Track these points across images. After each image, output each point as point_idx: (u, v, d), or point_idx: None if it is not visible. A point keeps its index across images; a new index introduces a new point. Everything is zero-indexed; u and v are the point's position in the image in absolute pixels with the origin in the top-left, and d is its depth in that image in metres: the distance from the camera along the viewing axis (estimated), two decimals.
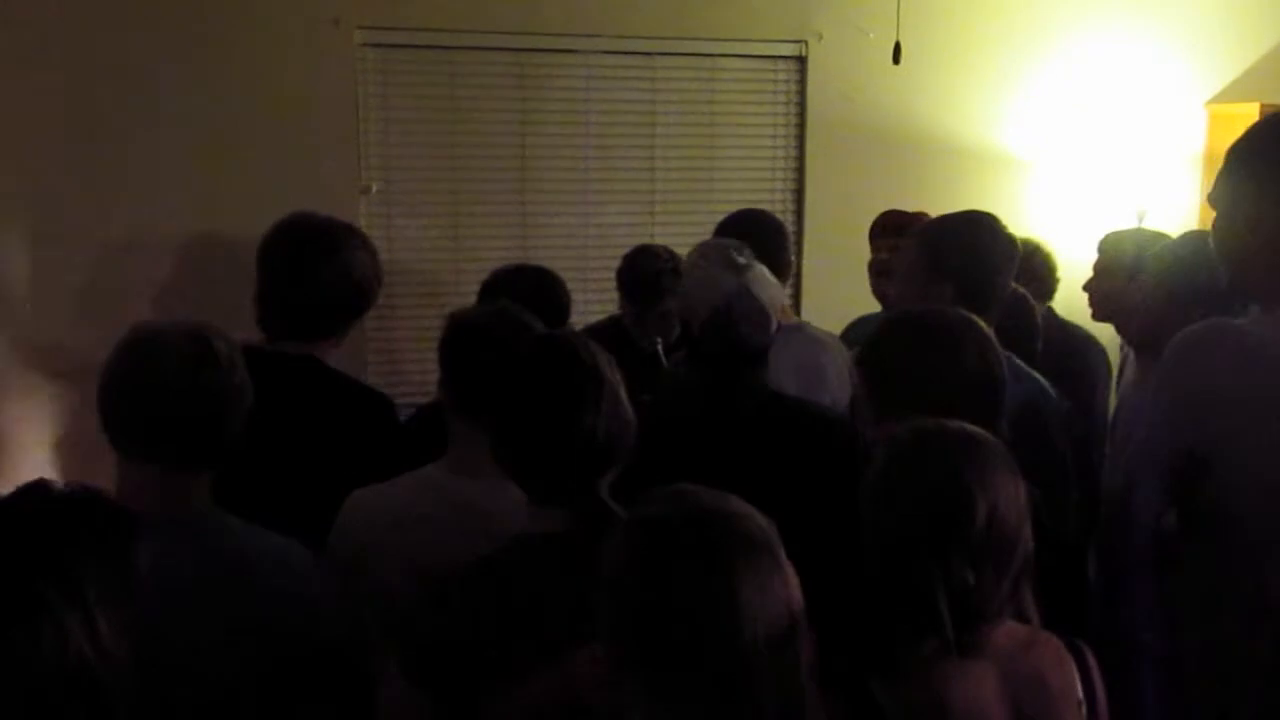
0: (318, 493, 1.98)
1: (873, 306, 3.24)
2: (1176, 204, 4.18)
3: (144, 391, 1.65)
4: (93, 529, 1.20)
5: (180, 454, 1.67)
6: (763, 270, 2.21)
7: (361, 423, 2.34)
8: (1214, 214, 1.83)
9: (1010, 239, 2.40)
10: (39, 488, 1.24)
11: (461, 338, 1.98)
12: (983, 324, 1.93)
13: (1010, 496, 1.43)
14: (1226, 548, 1.72)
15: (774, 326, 2.17)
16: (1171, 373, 1.79)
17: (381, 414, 2.41)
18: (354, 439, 2.29)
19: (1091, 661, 1.55)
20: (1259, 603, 1.69)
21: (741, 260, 2.18)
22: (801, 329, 2.90)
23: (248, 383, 1.74)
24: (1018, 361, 2.33)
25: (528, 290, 2.58)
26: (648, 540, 1.23)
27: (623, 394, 1.62)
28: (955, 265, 2.32)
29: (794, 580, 1.23)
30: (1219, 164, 1.81)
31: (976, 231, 2.39)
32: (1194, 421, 1.74)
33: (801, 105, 4.03)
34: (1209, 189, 1.84)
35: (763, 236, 2.67)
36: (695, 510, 1.23)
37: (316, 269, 2.39)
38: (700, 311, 2.14)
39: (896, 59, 2.84)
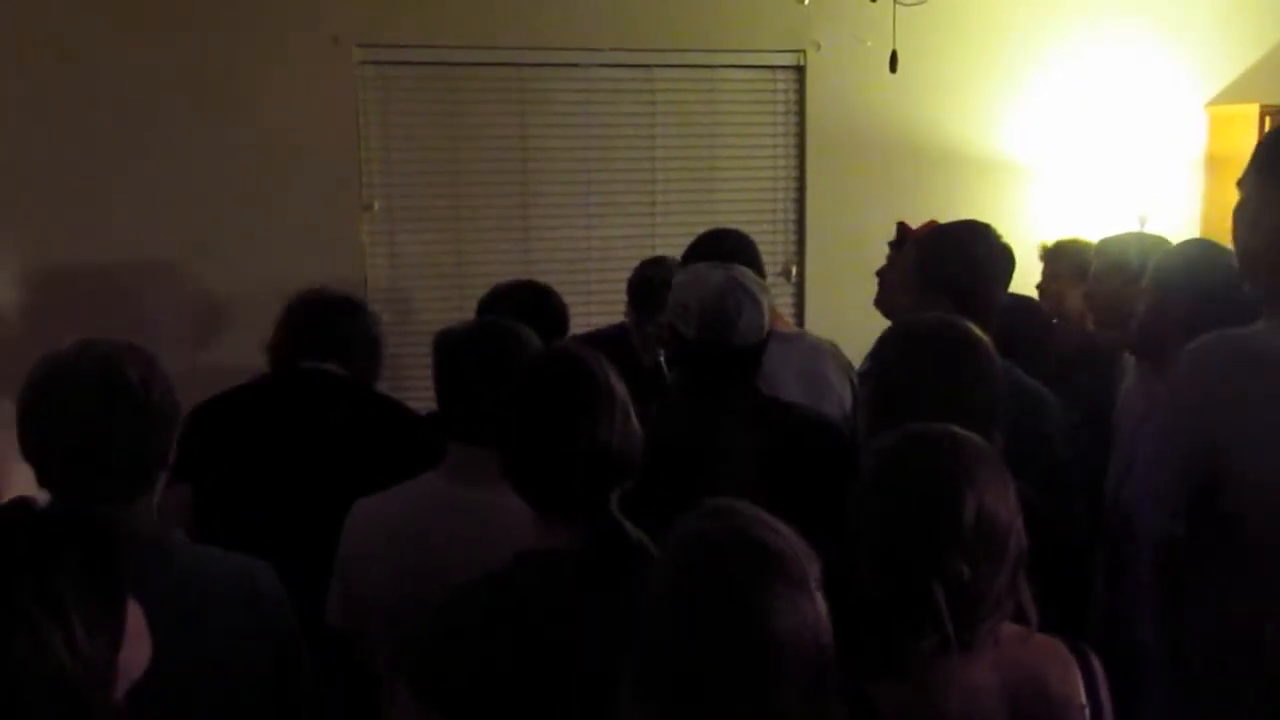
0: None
1: (877, 315, 3.23)
2: (1178, 207, 4.17)
3: (57, 432, 1.60)
4: (75, 544, 1.20)
5: (109, 488, 1.62)
6: (747, 270, 2.19)
7: (399, 436, 2.41)
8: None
9: (1005, 248, 2.43)
10: (21, 505, 1.24)
11: (450, 355, 1.98)
12: (980, 333, 1.93)
13: (999, 493, 1.44)
14: (1237, 554, 1.72)
15: (766, 323, 2.14)
16: (1182, 383, 1.80)
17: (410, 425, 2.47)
18: (392, 450, 2.33)
19: (1097, 667, 1.54)
20: (1270, 608, 1.68)
21: (722, 265, 2.18)
22: (802, 337, 2.90)
23: (170, 400, 1.68)
24: (1017, 371, 2.34)
25: (524, 306, 2.59)
26: (692, 563, 1.26)
27: (631, 409, 1.62)
28: (950, 275, 2.35)
29: (823, 608, 1.25)
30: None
31: (971, 241, 2.41)
32: (1205, 430, 1.73)
33: (801, 115, 4.04)
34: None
35: (733, 252, 2.68)
36: (742, 537, 1.26)
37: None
38: (692, 306, 2.10)
39: (893, 68, 2.84)
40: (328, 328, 2.49)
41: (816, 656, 1.23)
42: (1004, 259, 2.43)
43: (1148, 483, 1.98)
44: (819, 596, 1.26)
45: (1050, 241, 3.57)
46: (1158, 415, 1.89)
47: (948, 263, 2.37)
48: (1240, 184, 1.80)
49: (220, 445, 2.35)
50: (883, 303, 2.82)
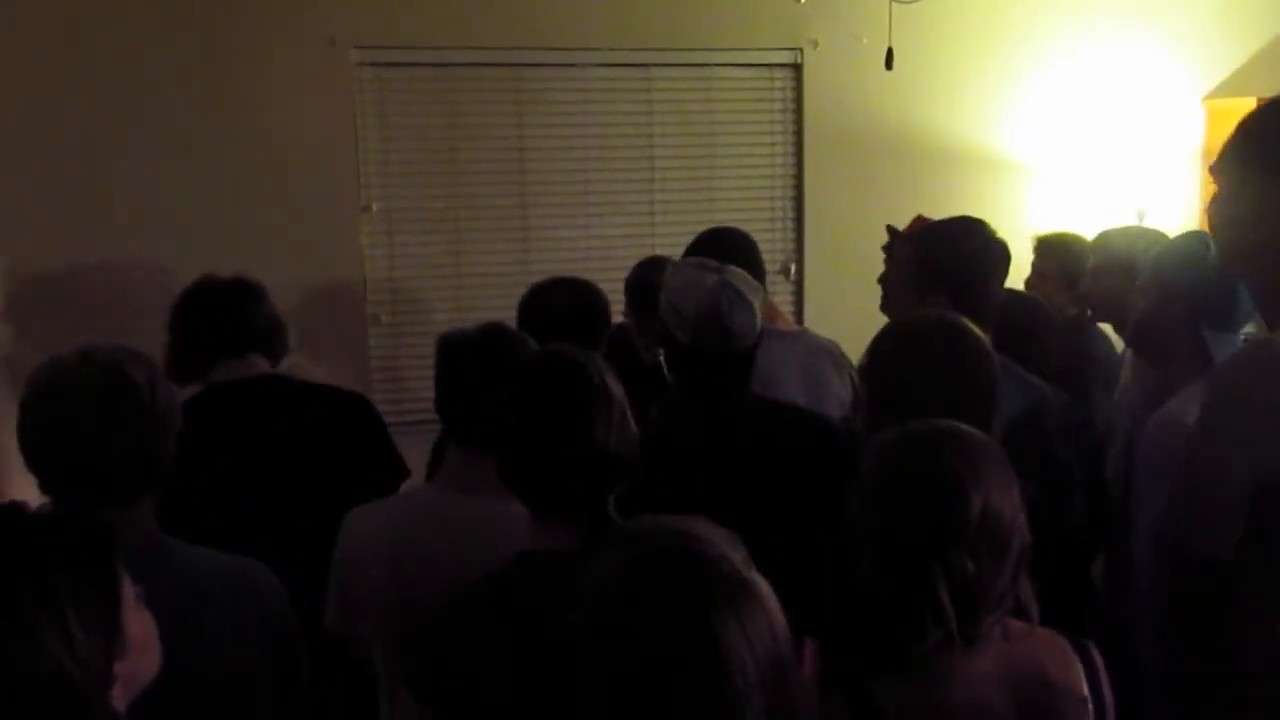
0: (326, 503, 2.04)
1: (875, 312, 3.23)
2: (1177, 201, 4.17)
3: (63, 437, 1.60)
4: (70, 545, 1.20)
5: (113, 493, 1.62)
6: (739, 270, 2.17)
7: (349, 422, 2.45)
8: (1215, 188, 1.69)
9: (1001, 244, 2.43)
10: (13, 509, 1.24)
11: (450, 360, 1.98)
12: (976, 330, 1.93)
13: (1003, 488, 1.44)
14: None
15: (759, 323, 2.13)
16: (1223, 397, 1.67)
17: (364, 412, 2.51)
18: (345, 438, 2.40)
19: (1098, 661, 1.54)
20: None
21: (714, 264, 2.16)
22: (802, 336, 2.90)
23: (173, 405, 1.69)
24: (1017, 368, 2.34)
25: (569, 303, 2.58)
26: (621, 600, 1.15)
27: (629, 411, 1.62)
28: (947, 271, 2.35)
29: (775, 609, 1.16)
30: (1218, 154, 1.72)
31: (967, 237, 2.42)
32: (1252, 445, 1.59)
33: (798, 113, 4.04)
34: (1209, 185, 1.76)
35: (733, 251, 2.67)
36: (671, 564, 1.15)
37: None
38: (686, 311, 2.09)
39: (889, 65, 2.84)
40: (237, 319, 2.49)
41: (775, 659, 1.14)
42: (999, 254, 2.43)
43: (1189, 503, 1.82)
44: (765, 595, 1.16)
45: (1046, 233, 3.56)
46: (1195, 430, 1.76)
47: (943, 259, 2.38)
48: (1219, 174, 1.68)
49: (208, 445, 2.34)
50: (888, 307, 2.82)
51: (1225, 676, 1.69)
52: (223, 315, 2.49)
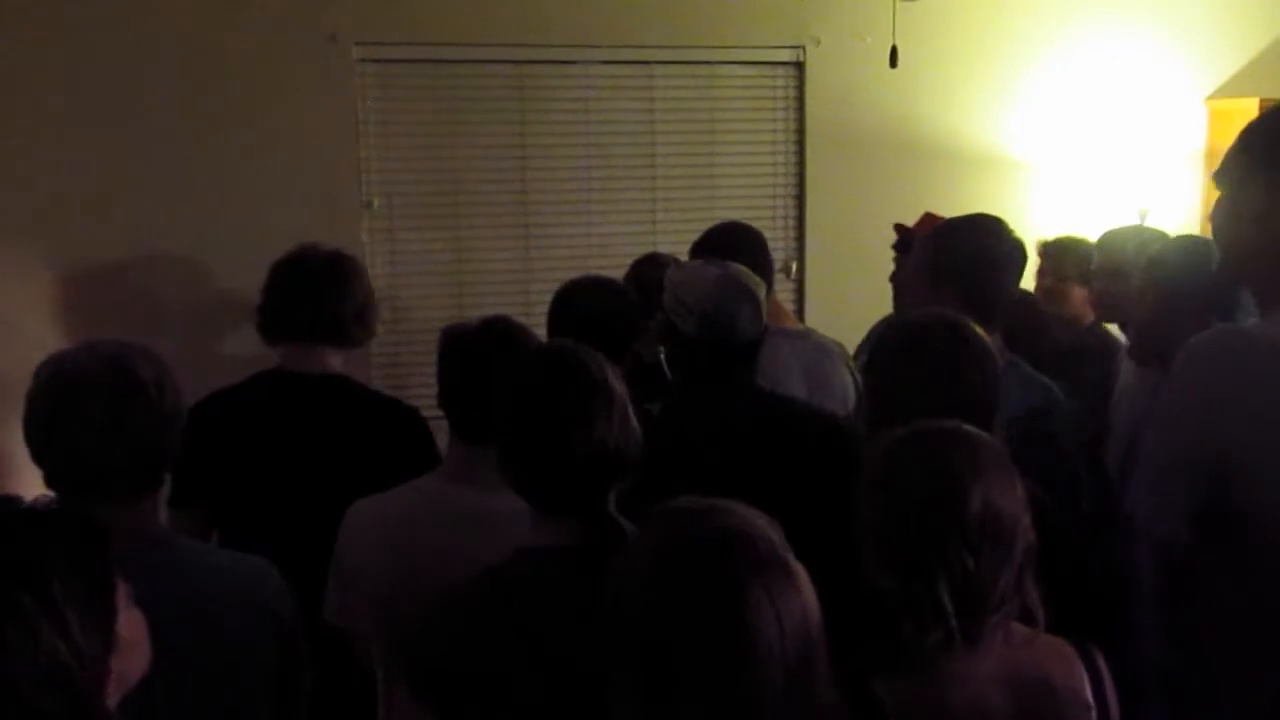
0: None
1: (877, 311, 3.23)
2: (1179, 202, 4.17)
3: (67, 432, 1.60)
4: (63, 538, 1.20)
5: (117, 489, 1.62)
6: (742, 266, 2.19)
7: (396, 436, 2.42)
8: (1217, 193, 1.72)
9: (1017, 243, 2.40)
10: (6, 501, 1.24)
11: (453, 353, 1.98)
12: (979, 330, 1.92)
13: (1005, 487, 1.45)
14: (1248, 557, 1.64)
15: (764, 318, 2.14)
16: (1185, 381, 1.71)
17: (415, 426, 2.47)
18: (389, 452, 2.36)
19: (1102, 666, 1.54)
20: None
21: (718, 260, 2.17)
22: (808, 336, 2.90)
23: (178, 402, 1.69)
24: (1025, 368, 2.33)
25: (603, 305, 2.56)
26: (657, 569, 1.21)
27: (630, 408, 1.62)
28: (960, 270, 2.32)
29: (809, 592, 1.21)
30: (1220, 160, 1.74)
31: (982, 236, 2.38)
32: (1211, 429, 1.64)
33: (800, 111, 4.04)
34: (1211, 186, 1.77)
35: (742, 246, 2.67)
36: (706, 535, 1.21)
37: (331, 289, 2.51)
38: (691, 304, 2.10)
39: (893, 63, 2.84)
40: (318, 306, 2.48)
41: (804, 640, 1.19)
42: (1018, 254, 2.40)
43: (1152, 485, 1.83)
44: (802, 577, 1.21)
45: (1050, 237, 3.57)
46: (1158, 413, 1.81)
47: (961, 258, 2.34)
48: (1222, 180, 1.70)
49: (221, 445, 2.35)
50: (902, 307, 2.81)
51: (1191, 661, 1.73)
52: (296, 300, 2.48)
